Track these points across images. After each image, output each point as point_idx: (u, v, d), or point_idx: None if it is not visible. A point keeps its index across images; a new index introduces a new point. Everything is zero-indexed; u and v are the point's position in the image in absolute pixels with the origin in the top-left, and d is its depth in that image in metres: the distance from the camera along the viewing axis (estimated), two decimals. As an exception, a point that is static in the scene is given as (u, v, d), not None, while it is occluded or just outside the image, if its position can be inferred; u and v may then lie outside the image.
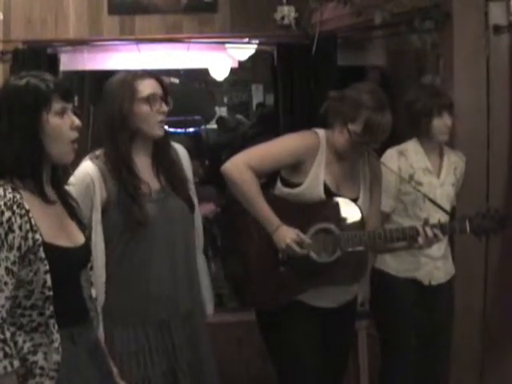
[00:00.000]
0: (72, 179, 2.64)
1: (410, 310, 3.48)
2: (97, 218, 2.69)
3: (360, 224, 2.94)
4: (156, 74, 2.82)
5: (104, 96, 2.78)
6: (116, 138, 2.71)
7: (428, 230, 2.90)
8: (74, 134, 2.11)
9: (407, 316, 3.48)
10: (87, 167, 2.71)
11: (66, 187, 2.26)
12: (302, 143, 2.97)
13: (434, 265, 3.47)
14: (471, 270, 3.78)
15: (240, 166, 2.88)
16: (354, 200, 2.97)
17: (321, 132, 3.00)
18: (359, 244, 2.88)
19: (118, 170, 2.70)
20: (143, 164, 2.78)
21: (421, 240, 2.89)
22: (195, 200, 2.94)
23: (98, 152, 2.76)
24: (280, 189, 3.01)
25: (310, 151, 2.95)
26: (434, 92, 3.49)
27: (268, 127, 6.18)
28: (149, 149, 2.81)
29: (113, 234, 2.71)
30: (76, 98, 5.42)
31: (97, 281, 2.51)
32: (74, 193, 2.61)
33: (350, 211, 2.94)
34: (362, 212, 2.94)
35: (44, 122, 2.04)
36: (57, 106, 2.07)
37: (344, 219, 2.92)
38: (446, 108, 3.42)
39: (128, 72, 2.78)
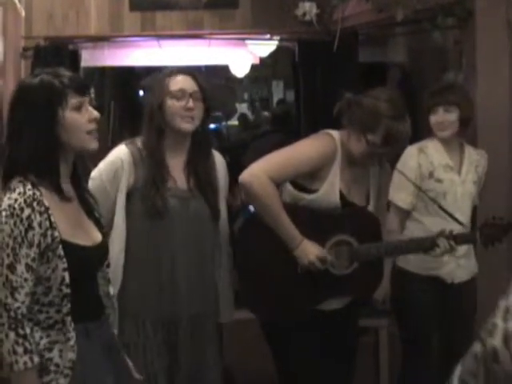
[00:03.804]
0: (102, 162, 2.74)
1: (432, 308, 3.45)
2: (121, 201, 2.74)
3: (376, 232, 2.92)
4: (193, 72, 2.84)
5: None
6: (147, 129, 2.80)
7: (443, 241, 2.89)
8: (92, 126, 2.11)
9: (429, 315, 3.46)
10: (120, 150, 2.79)
11: (87, 180, 2.27)
12: (322, 150, 2.86)
13: (457, 263, 3.44)
14: (494, 268, 3.74)
15: (261, 178, 2.74)
16: (365, 206, 2.94)
17: (336, 135, 2.90)
18: (376, 256, 2.89)
19: (150, 159, 2.76)
20: (176, 162, 2.82)
21: (437, 250, 2.91)
22: (223, 209, 2.90)
23: (137, 139, 2.83)
24: (292, 194, 2.89)
25: (328, 157, 2.85)
26: (437, 90, 3.47)
27: (285, 125, 6.19)
28: (184, 148, 2.83)
29: (134, 220, 2.75)
30: (96, 94, 5.47)
31: (116, 264, 2.58)
32: (103, 174, 2.70)
33: (365, 219, 2.92)
34: (376, 219, 2.93)
35: (60, 118, 2.04)
36: (73, 101, 2.07)
37: (360, 228, 2.87)
38: (440, 105, 3.38)
39: (167, 68, 2.87)
